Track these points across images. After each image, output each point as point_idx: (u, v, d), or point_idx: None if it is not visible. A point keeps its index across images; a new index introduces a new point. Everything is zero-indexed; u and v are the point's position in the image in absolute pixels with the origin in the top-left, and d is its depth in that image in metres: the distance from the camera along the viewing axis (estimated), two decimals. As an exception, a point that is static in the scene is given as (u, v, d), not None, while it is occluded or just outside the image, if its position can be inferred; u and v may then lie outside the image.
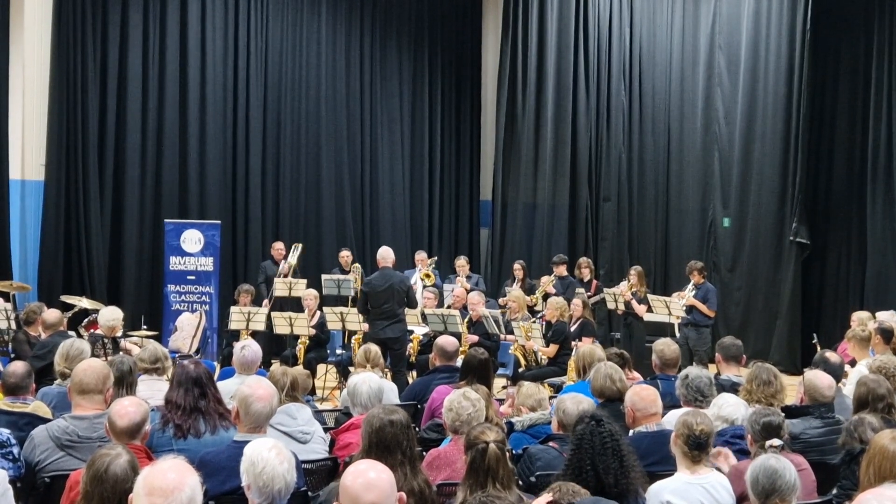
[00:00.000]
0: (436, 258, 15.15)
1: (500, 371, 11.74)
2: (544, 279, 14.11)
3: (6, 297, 12.04)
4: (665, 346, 7.81)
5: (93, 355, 7.28)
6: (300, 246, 14.13)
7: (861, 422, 5.45)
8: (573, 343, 11.43)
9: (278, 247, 14.36)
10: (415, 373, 11.52)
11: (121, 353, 8.33)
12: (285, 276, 13.74)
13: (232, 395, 5.51)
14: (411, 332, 11.95)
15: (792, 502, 4.38)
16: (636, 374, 8.33)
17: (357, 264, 14.37)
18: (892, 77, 14.62)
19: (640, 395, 5.92)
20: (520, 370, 11.65)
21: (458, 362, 8.23)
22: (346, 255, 14.51)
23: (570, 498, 4.29)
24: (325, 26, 16.72)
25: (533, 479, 5.32)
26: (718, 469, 5.18)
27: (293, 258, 13.84)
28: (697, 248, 16.01)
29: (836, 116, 15.48)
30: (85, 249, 13.98)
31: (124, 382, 6.18)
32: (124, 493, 3.73)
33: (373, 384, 6.32)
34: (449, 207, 18.32)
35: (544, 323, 12.08)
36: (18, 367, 6.38)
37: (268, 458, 4.05)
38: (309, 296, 12.50)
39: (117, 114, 14.47)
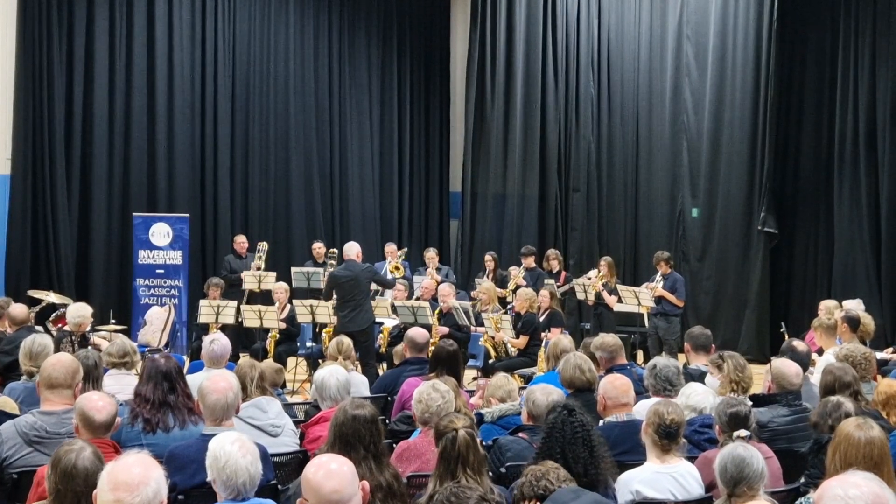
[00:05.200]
0: (405, 249, 15.11)
1: (471, 363, 11.77)
2: (513, 271, 14.12)
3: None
4: (602, 340, 7.74)
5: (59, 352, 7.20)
6: (265, 245, 14.02)
7: (837, 407, 5.40)
8: (542, 334, 11.47)
9: (240, 240, 14.28)
10: (385, 365, 11.52)
11: (88, 347, 8.27)
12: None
13: (198, 390, 5.49)
14: (381, 323, 11.95)
15: (760, 490, 4.41)
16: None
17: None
18: (858, 67, 14.70)
19: (614, 384, 5.94)
20: (490, 361, 11.66)
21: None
22: (318, 247, 14.45)
23: (552, 482, 4.26)
24: (294, 18, 16.64)
25: (503, 469, 5.33)
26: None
27: (260, 260, 13.71)
28: (666, 238, 16.03)
29: (804, 106, 15.54)
30: (52, 243, 13.89)
31: (90, 377, 6.13)
32: (96, 485, 3.72)
33: (340, 377, 6.30)
34: (419, 199, 18.28)
35: (514, 314, 12.10)
36: (-16, 362, 6.33)
37: (230, 452, 4.05)
38: (279, 289, 12.48)
39: (84, 106, 14.37)
